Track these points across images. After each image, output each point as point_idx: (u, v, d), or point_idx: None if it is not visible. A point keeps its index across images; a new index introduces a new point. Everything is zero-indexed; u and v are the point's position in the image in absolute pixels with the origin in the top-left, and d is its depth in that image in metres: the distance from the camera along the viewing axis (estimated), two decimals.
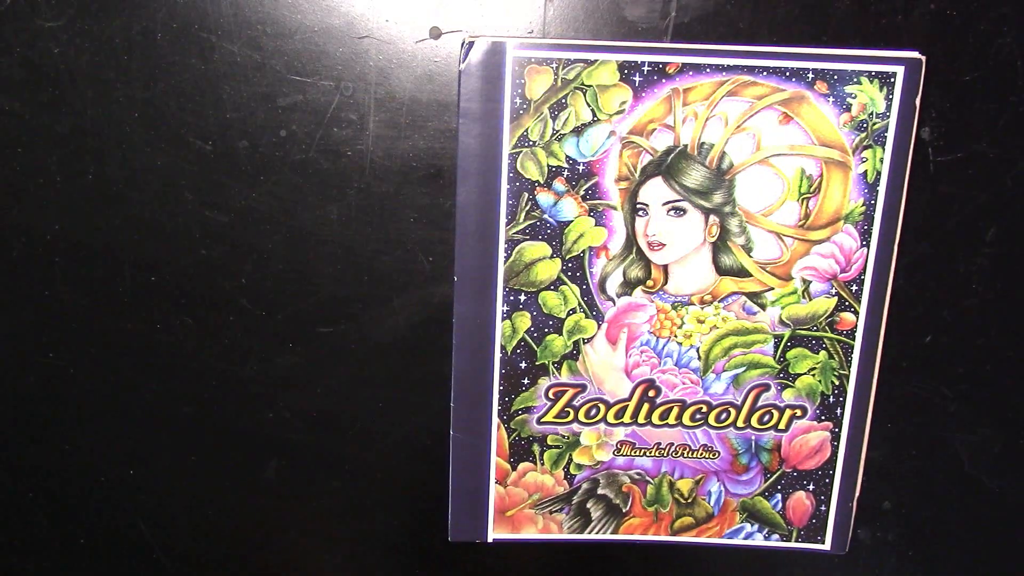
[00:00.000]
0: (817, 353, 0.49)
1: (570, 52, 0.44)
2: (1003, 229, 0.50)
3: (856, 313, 0.48)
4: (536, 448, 0.50)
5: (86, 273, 0.53)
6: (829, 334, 0.49)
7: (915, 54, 0.45)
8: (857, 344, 0.49)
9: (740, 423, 0.50)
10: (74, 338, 0.54)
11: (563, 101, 0.45)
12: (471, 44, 0.45)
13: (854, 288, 0.48)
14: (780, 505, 0.52)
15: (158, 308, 0.53)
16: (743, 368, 0.49)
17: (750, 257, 0.47)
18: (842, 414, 0.50)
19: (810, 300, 0.48)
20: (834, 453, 0.51)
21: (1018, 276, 0.50)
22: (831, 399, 0.50)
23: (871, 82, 0.45)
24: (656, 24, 0.47)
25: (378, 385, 0.54)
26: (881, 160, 0.46)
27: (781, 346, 0.49)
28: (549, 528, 0.51)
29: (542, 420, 0.50)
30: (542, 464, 0.51)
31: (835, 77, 0.45)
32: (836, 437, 0.51)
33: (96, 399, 0.56)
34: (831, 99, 0.45)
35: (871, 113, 0.45)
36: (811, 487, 0.51)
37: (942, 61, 0.47)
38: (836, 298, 0.48)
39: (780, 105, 0.45)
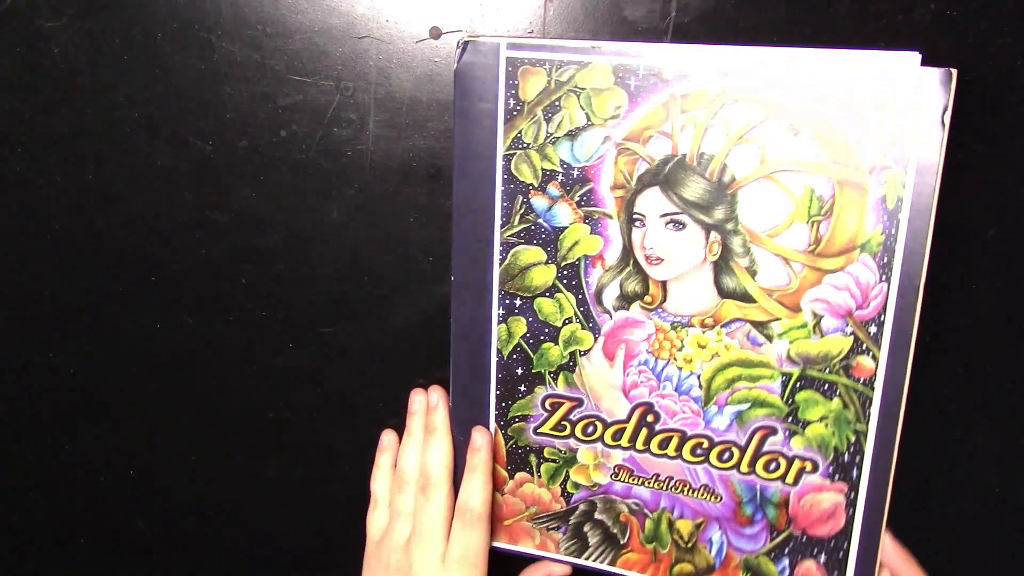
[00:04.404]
0: (830, 400, 0.44)
1: (563, 54, 0.43)
2: (1003, 229, 0.50)
3: (875, 359, 0.43)
4: (533, 459, 0.49)
5: (86, 273, 0.53)
6: (844, 380, 0.44)
7: (943, 68, 0.40)
8: (876, 396, 0.43)
9: (744, 467, 0.46)
10: (74, 338, 0.54)
11: (557, 103, 0.44)
12: (466, 44, 0.44)
13: (872, 329, 0.42)
14: (788, 572, 0.47)
15: (158, 308, 0.53)
16: (747, 405, 0.45)
17: (754, 281, 0.43)
18: (859, 477, 0.45)
19: (822, 337, 0.43)
20: (849, 523, 0.45)
21: (1018, 276, 0.50)
22: (845, 457, 0.45)
23: (891, 94, 0.40)
24: (656, 24, 0.46)
25: (378, 385, 0.54)
26: (903, 184, 0.41)
27: (789, 386, 0.44)
28: (546, 545, 0.50)
29: (539, 430, 0.48)
30: (539, 477, 0.49)
31: (849, 86, 0.41)
32: (852, 504, 0.45)
33: (96, 399, 0.56)
34: (845, 111, 0.41)
35: (891, 129, 0.41)
36: (823, 558, 0.46)
37: (942, 61, 0.47)
38: (852, 338, 0.43)
39: (787, 115, 0.42)
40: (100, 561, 0.60)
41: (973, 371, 0.52)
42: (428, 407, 0.50)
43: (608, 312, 0.46)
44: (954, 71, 0.39)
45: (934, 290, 0.51)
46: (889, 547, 0.46)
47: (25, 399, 0.56)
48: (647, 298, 0.45)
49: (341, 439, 0.55)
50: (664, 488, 0.48)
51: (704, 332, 0.45)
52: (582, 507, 0.49)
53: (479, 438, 0.48)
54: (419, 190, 0.50)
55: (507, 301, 0.47)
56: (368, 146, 0.49)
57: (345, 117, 0.49)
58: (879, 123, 0.40)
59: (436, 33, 0.47)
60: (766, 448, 0.46)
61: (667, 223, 0.44)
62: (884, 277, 0.42)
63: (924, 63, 0.42)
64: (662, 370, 0.46)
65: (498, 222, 0.46)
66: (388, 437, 0.51)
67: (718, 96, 0.42)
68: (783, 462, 0.46)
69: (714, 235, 0.43)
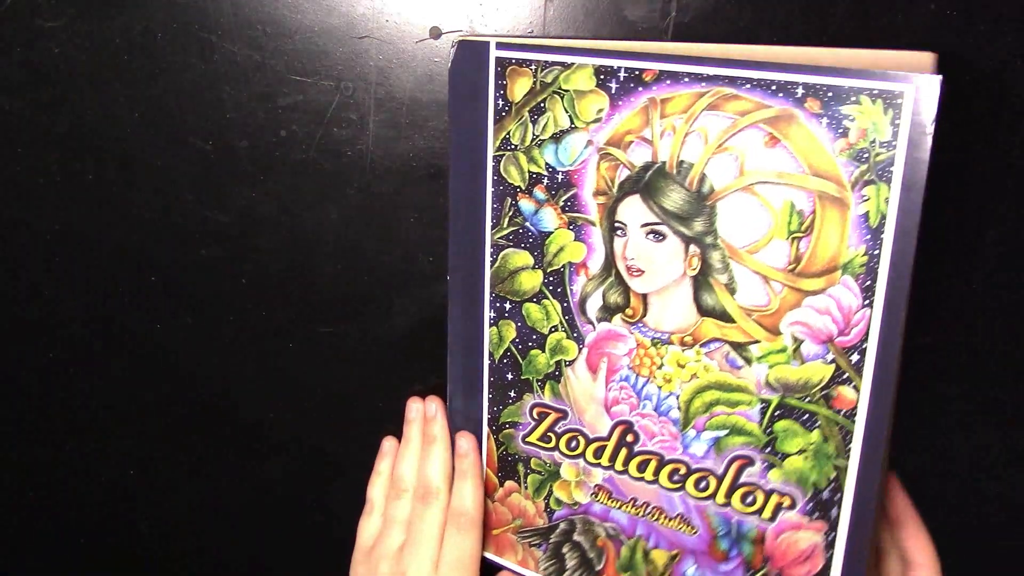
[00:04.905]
0: (810, 431, 0.41)
1: (548, 54, 0.42)
2: (1003, 230, 0.50)
3: (857, 390, 0.40)
4: (521, 468, 0.48)
5: (86, 273, 0.53)
6: (825, 411, 0.40)
7: (929, 74, 0.37)
8: (858, 430, 0.40)
9: (721, 498, 0.44)
10: (74, 338, 0.54)
11: (542, 105, 0.43)
12: (459, 44, 0.44)
13: (854, 358, 0.39)
14: None
15: (158, 308, 0.53)
16: (725, 431, 0.43)
17: (733, 299, 0.41)
18: (838, 516, 0.41)
19: (802, 363, 0.40)
20: (827, 566, 0.42)
21: (1018, 276, 0.50)
22: (825, 494, 0.41)
23: (873, 102, 0.37)
24: (656, 24, 0.46)
25: (378, 385, 0.54)
26: (886, 200, 0.37)
27: (768, 414, 0.42)
28: (527, 562, 0.49)
29: (527, 439, 0.48)
30: (525, 488, 0.48)
31: (829, 94, 0.37)
32: (831, 544, 0.42)
33: (96, 399, 0.56)
34: (824, 120, 0.37)
35: (873, 141, 0.37)
36: None
37: (942, 61, 0.47)
38: (833, 366, 0.40)
39: (766, 124, 0.39)
40: (100, 561, 0.60)
41: (973, 371, 0.52)
42: (425, 416, 0.50)
43: (592, 323, 0.45)
44: (939, 77, 0.36)
45: (935, 291, 0.51)
46: (895, 495, 0.45)
47: (25, 399, 0.56)
48: (628, 311, 0.43)
49: (340, 439, 0.55)
50: (641, 514, 0.46)
51: (684, 351, 0.43)
52: (562, 526, 0.48)
53: (464, 443, 0.48)
54: (419, 190, 0.50)
55: (497, 304, 0.46)
56: (368, 146, 0.49)
57: (345, 117, 0.49)
58: (861, 132, 0.37)
59: (436, 33, 0.47)
60: (743, 479, 0.43)
61: (647, 233, 0.42)
62: (868, 301, 0.39)
63: (941, 81, 0.39)
64: (642, 388, 0.44)
65: (488, 223, 0.45)
66: (389, 443, 0.51)
67: (697, 101, 0.40)
68: (760, 496, 0.43)
69: (694, 248, 0.41)
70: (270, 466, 0.56)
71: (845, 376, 0.40)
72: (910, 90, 0.36)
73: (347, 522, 0.52)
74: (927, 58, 0.39)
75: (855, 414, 0.40)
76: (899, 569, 0.45)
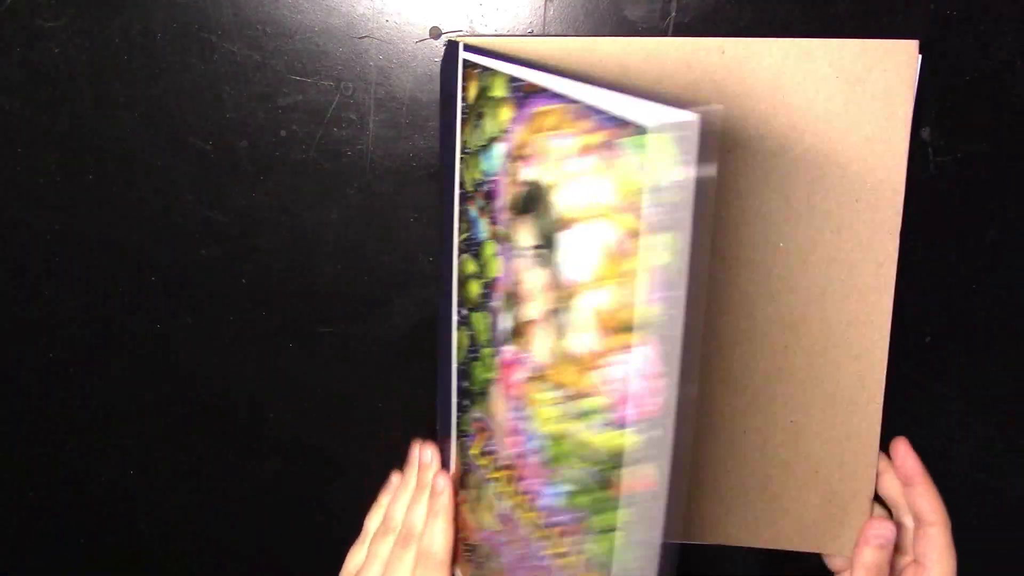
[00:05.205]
0: (616, 510, 0.35)
1: (488, 59, 0.39)
2: (1003, 229, 0.50)
3: (655, 470, 0.34)
4: (468, 480, 0.46)
5: (86, 273, 0.53)
6: (634, 488, 0.34)
7: (689, 115, 0.29)
8: (649, 513, 0.34)
9: (571, 561, 0.39)
10: (74, 338, 0.54)
11: (481, 111, 0.40)
12: (447, 44, 0.43)
13: (653, 433, 0.33)
14: None
15: (158, 308, 0.53)
16: (575, 487, 0.37)
17: (568, 344, 0.36)
18: None
19: (614, 430, 0.34)
20: None
21: (1018, 276, 0.50)
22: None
23: (661, 136, 0.30)
24: (656, 24, 0.46)
25: (378, 385, 0.54)
26: (677, 253, 0.31)
27: (602, 477, 0.35)
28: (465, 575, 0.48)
29: (470, 451, 0.46)
30: (469, 501, 0.46)
31: (642, 122, 0.31)
32: None
33: (96, 399, 0.56)
34: (637, 151, 0.32)
35: (660, 182, 0.30)
36: None
37: (942, 61, 0.47)
38: (636, 439, 0.34)
39: (596, 150, 0.33)
40: (100, 561, 0.60)
41: (973, 371, 0.52)
42: (421, 463, 0.49)
43: (504, 344, 0.41)
44: (697, 120, 0.29)
45: (935, 291, 0.51)
46: (906, 457, 0.45)
47: (25, 399, 0.56)
48: (523, 338, 0.39)
49: (340, 439, 0.55)
50: (520, 562, 0.43)
51: (553, 391, 0.37)
52: (483, 548, 0.46)
53: (440, 482, 0.47)
54: (419, 190, 0.50)
55: (460, 309, 0.45)
56: (368, 146, 0.49)
57: (345, 117, 0.49)
58: (652, 169, 0.31)
59: (436, 33, 0.47)
60: (582, 545, 0.38)
61: (533, 256, 0.38)
62: (664, 369, 0.33)
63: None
64: (527, 422, 0.40)
65: (456, 227, 0.44)
66: (396, 479, 0.51)
67: (550, 118, 0.35)
68: (596, 566, 0.38)
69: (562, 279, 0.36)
70: (270, 466, 0.56)
71: (645, 453, 0.34)
72: (667, 128, 0.29)
73: (347, 522, 0.52)
74: (911, 46, 0.37)
75: (650, 496, 0.34)
76: (912, 526, 0.46)
